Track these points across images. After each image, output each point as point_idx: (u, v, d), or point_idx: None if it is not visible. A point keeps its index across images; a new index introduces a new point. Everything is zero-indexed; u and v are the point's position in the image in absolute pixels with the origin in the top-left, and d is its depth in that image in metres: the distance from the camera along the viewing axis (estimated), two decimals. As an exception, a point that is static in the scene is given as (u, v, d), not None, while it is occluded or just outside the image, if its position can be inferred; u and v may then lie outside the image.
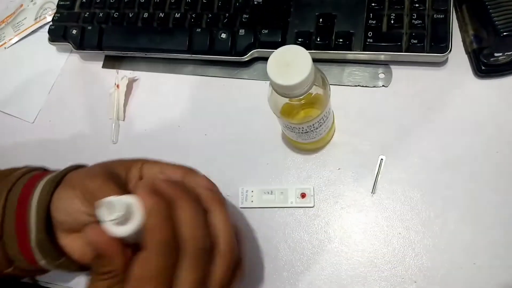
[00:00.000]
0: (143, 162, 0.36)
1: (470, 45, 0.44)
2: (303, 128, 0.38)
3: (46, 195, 0.35)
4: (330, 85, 0.37)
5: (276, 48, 0.32)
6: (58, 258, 0.36)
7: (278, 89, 0.32)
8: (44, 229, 0.35)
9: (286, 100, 0.34)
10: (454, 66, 0.44)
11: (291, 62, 0.31)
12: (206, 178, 0.35)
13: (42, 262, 0.36)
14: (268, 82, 0.33)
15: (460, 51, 0.44)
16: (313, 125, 0.38)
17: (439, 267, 0.38)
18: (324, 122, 0.39)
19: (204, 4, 0.50)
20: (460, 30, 0.45)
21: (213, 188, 0.34)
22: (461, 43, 0.45)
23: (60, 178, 0.36)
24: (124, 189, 0.34)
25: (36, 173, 0.39)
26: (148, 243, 0.28)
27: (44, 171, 0.41)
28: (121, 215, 0.27)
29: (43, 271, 0.39)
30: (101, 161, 0.37)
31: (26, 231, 0.35)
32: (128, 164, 0.36)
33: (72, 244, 0.36)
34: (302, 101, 0.34)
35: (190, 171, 0.35)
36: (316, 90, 0.34)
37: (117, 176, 0.35)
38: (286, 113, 0.37)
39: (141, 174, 0.36)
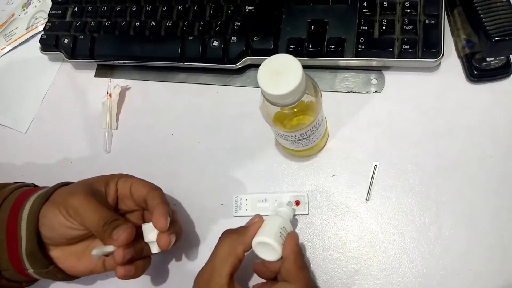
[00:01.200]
0: (119, 177, 0.41)
1: (462, 50, 0.44)
2: (295, 136, 0.38)
3: (36, 209, 0.38)
4: (323, 92, 0.37)
5: (268, 55, 0.32)
6: (46, 267, 0.38)
7: (269, 98, 0.32)
8: (35, 239, 0.37)
9: (278, 108, 0.34)
10: (446, 71, 0.44)
11: (281, 71, 0.31)
12: (162, 195, 0.40)
13: (31, 271, 0.38)
14: (259, 88, 0.33)
15: (452, 56, 0.45)
16: (305, 132, 0.37)
17: (434, 274, 0.38)
18: (317, 129, 0.39)
19: (196, 12, 0.50)
20: (452, 35, 0.45)
21: (163, 202, 0.39)
22: (453, 48, 0.45)
23: (50, 194, 0.39)
24: (103, 202, 0.38)
25: (27, 188, 0.42)
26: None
27: (34, 187, 0.44)
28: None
29: (30, 281, 0.40)
30: (82, 179, 0.41)
31: (17, 242, 0.37)
32: (106, 179, 0.41)
33: (59, 255, 0.39)
34: (295, 109, 0.34)
35: (154, 188, 0.40)
36: (308, 98, 0.34)
37: (97, 192, 0.39)
38: (278, 121, 0.36)
39: (117, 188, 0.41)
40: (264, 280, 0.38)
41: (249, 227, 0.37)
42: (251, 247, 0.36)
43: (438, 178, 0.41)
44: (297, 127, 0.37)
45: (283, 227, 0.36)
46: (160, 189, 0.41)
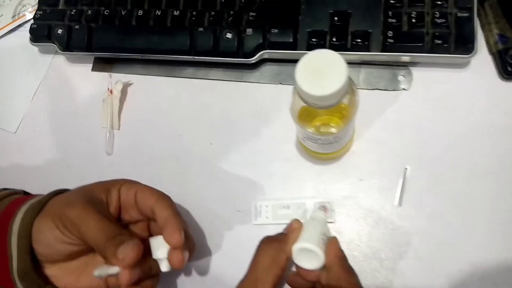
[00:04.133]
0: (121, 183, 0.37)
1: (494, 45, 0.41)
2: (328, 139, 0.34)
3: (28, 222, 0.34)
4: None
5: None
6: (41, 287, 0.34)
7: (308, 99, 0.29)
8: (28, 258, 0.34)
9: (302, 104, 0.30)
10: (477, 67, 0.41)
11: (323, 69, 0.28)
12: (173, 205, 0.36)
13: None
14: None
15: (483, 52, 0.42)
16: (338, 135, 0.34)
17: (478, 284, 0.36)
18: (349, 131, 0.36)
19: (205, 1, 0.46)
20: (483, 29, 0.43)
21: (175, 213, 0.36)
22: (484, 44, 0.42)
23: (43, 204, 0.35)
24: (104, 213, 0.34)
25: (16, 197, 0.38)
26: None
27: (24, 194, 0.40)
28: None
29: None
30: (79, 186, 0.37)
31: (6, 260, 0.33)
32: (107, 186, 0.37)
33: (56, 274, 0.35)
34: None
35: (163, 197, 0.36)
36: (347, 99, 0.31)
37: (98, 200, 0.36)
38: (305, 119, 0.33)
39: (119, 195, 0.37)
40: None
41: (289, 234, 0.35)
42: None
43: (474, 181, 0.38)
44: (321, 128, 0.34)
45: (324, 232, 0.35)
46: (169, 197, 0.37)
